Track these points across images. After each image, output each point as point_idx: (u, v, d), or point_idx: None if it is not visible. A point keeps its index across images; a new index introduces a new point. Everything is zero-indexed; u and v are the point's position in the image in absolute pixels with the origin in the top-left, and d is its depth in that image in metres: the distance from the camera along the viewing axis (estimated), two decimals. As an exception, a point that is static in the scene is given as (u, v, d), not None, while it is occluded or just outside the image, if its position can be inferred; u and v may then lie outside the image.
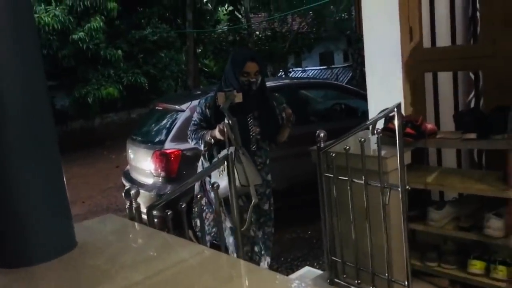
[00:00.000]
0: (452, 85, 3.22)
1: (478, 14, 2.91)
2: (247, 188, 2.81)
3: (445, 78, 3.22)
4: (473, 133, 2.56)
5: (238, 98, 2.80)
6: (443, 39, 3.17)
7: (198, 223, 3.03)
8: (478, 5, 2.91)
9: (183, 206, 1.91)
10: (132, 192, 1.82)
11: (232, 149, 2.78)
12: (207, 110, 3.09)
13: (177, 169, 4.34)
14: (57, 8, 10.25)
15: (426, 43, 3.11)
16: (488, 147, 2.61)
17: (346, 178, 2.59)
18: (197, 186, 3.15)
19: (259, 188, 3.05)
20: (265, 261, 3.25)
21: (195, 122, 3.13)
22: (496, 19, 2.67)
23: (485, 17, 2.75)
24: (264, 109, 3.11)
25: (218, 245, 2.32)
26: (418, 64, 3.03)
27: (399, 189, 2.45)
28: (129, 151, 5.20)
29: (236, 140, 2.80)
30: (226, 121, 2.78)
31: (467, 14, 3.13)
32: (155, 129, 5.05)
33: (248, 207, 2.88)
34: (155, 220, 2.05)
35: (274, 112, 3.16)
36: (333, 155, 2.62)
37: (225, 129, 2.78)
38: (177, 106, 4.84)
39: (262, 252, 3.22)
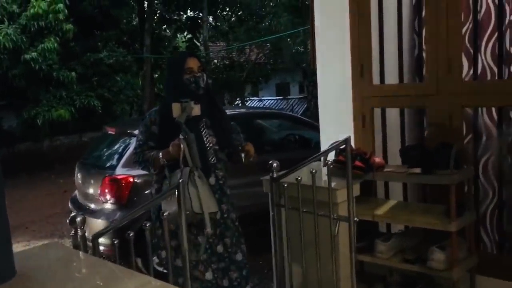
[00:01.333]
0: (399, 121, 3.36)
1: (424, 54, 3.08)
2: (200, 215, 2.45)
3: (393, 114, 3.35)
4: (418, 168, 2.67)
5: (196, 110, 2.54)
6: (392, 77, 3.32)
7: (163, 255, 2.71)
8: (424, 46, 3.08)
9: (130, 235, 1.86)
10: (78, 219, 1.77)
11: (186, 170, 2.44)
12: (153, 126, 2.74)
13: (127, 196, 4.23)
14: (9, 27, 9.97)
15: (376, 80, 3.24)
16: (432, 181, 2.72)
17: (297, 209, 2.62)
18: (153, 215, 2.79)
19: (225, 206, 2.77)
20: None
21: (141, 142, 2.75)
22: (440, 60, 2.83)
23: (430, 58, 2.91)
24: (215, 116, 2.81)
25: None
26: (367, 99, 3.15)
27: (348, 221, 2.50)
28: (78, 175, 5.04)
29: (193, 160, 2.45)
30: (181, 136, 2.43)
31: (413, 54, 3.30)
32: (106, 153, 4.94)
33: (199, 241, 2.60)
34: (102, 248, 1.99)
35: (226, 117, 2.90)
36: (286, 185, 2.65)
37: (181, 146, 2.42)
38: (130, 131, 4.77)
39: (248, 274, 2.87)
